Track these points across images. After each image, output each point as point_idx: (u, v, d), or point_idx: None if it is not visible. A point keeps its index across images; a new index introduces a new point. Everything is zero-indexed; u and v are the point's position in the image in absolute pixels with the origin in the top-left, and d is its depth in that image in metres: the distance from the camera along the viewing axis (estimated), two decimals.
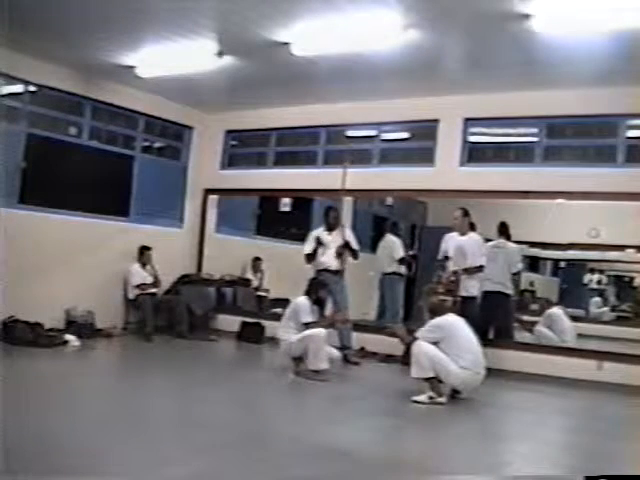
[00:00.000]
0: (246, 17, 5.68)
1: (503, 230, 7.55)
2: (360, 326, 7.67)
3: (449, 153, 7.61)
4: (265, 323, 8.41)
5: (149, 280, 8.35)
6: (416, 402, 5.22)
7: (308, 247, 7.36)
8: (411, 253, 8.60)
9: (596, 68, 6.09)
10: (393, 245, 8.49)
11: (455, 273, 6.77)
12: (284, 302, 7.82)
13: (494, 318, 7.26)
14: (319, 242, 7.27)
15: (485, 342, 6.00)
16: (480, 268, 6.84)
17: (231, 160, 9.48)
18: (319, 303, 6.47)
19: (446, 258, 7.04)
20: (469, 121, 7.58)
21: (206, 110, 9.17)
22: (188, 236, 9.32)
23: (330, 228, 7.37)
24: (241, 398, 5.43)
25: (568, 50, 5.76)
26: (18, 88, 7.21)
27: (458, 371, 5.24)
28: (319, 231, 7.42)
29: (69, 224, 7.74)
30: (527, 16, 5.10)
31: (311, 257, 7.31)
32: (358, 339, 7.48)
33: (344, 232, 7.30)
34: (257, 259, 9.87)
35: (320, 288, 6.52)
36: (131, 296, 8.25)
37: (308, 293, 6.44)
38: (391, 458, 3.90)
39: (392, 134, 8.35)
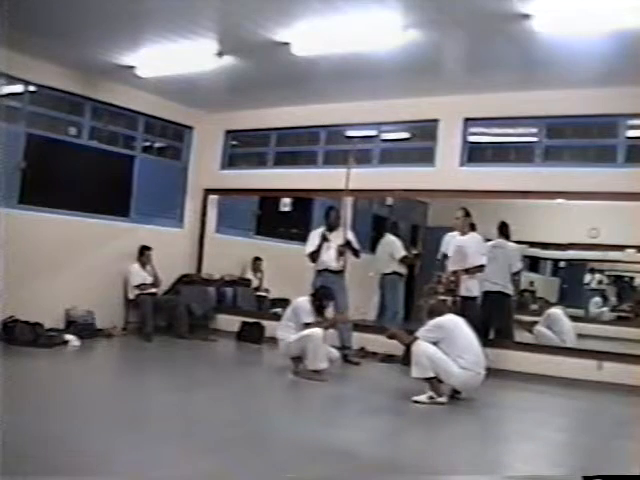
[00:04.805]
0: (246, 17, 5.69)
1: (503, 230, 7.55)
2: (360, 326, 7.67)
3: (449, 153, 7.60)
4: (265, 323, 8.41)
5: (149, 280, 8.35)
6: (416, 402, 5.23)
7: (312, 245, 7.26)
8: (414, 253, 8.57)
9: (596, 68, 6.09)
10: (393, 245, 8.48)
11: (455, 273, 6.77)
12: (284, 302, 7.83)
13: (494, 318, 7.26)
14: (325, 239, 7.21)
15: (485, 342, 6.00)
16: (480, 268, 6.83)
17: (231, 160, 9.48)
18: (320, 309, 6.38)
19: (445, 257, 7.03)
20: (469, 121, 7.58)
21: (206, 110, 9.17)
22: (188, 236, 9.31)
23: (331, 228, 7.36)
24: (241, 398, 5.42)
25: (568, 50, 5.76)
26: (18, 88, 7.21)
27: (458, 371, 5.24)
28: (322, 230, 7.37)
29: (69, 224, 7.74)
30: (527, 16, 5.10)
31: (315, 255, 7.21)
32: (358, 339, 7.48)
33: (345, 232, 7.28)
34: (257, 259, 9.87)
35: (327, 299, 6.44)
36: (131, 296, 8.25)
37: (313, 298, 6.39)
38: (391, 458, 3.90)
39: (392, 134, 8.35)
